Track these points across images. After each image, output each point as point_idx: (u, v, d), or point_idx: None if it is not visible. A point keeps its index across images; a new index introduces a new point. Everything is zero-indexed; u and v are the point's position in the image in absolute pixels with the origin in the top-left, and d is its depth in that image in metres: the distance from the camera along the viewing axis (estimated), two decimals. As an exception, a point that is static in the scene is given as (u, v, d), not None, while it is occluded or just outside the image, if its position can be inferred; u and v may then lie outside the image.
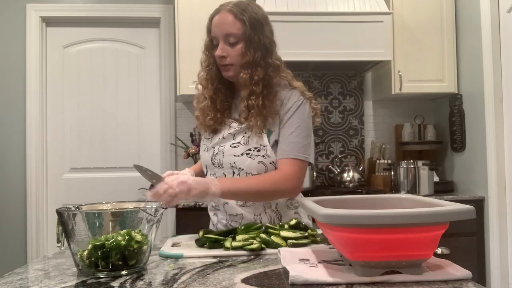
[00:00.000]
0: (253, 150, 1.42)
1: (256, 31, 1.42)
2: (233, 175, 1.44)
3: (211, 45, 1.47)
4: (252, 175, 1.42)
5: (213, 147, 1.48)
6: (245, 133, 1.44)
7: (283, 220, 1.45)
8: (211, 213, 1.57)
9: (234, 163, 1.43)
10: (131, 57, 3.38)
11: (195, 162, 3.20)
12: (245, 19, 1.41)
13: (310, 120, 1.46)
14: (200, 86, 1.52)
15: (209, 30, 1.47)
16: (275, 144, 1.44)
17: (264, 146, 1.42)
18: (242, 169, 1.42)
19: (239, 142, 1.43)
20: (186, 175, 1.39)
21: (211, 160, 1.48)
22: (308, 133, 1.44)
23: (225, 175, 1.46)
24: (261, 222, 1.41)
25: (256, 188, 1.36)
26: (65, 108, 3.33)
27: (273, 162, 1.43)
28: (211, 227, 1.58)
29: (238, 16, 1.41)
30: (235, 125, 1.46)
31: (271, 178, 1.39)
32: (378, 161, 3.16)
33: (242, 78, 1.42)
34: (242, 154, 1.42)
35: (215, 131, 1.49)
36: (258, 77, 1.41)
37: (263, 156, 1.42)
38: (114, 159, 3.33)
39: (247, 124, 1.42)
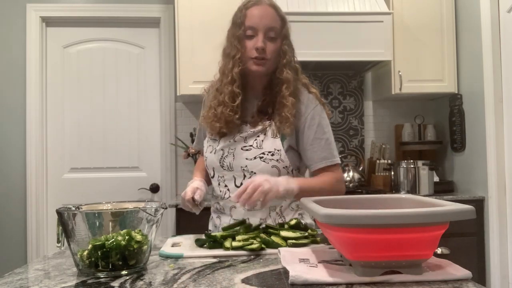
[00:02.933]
0: (267, 154, 1.40)
1: (287, 31, 1.43)
2: (244, 179, 1.41)
3: (243, 35, 1.40)
4: None
5: (222, 149, 1.45)
6: (258, 136, 1.42)
7: None
8: (214, 215, 1.55)
9: (246, 166, 1.41)
10: (131, 57, 3.37)
11: (195, 162, 3.19)
12: (284, 17, 1.40)
13: None
14: (219, 79, 1.46)
15: (242, 21, 1.40)
16: (289, 149, 1.42)
17: (278, 150, 1.40)
18: (254, 173, 1.39)
19: (251, 145, 1.41)
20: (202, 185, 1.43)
21: (220, 162, 1.45)
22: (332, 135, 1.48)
23: (235, 178, 1.43)
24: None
25: (325, 187, 1.37)
26: (65, 108, 3.33)
27: (286, 167, 1.41)
28: (211, 228, 1.57)
29: (279, 12, 1.40)
30: (246, 128, 1.44)
31: (330, 180, 1.41)
32: (378, 161, 3.16)
33: (286, 78, 1.41)
34: (255, 158, 1.40)
35: (223, 133, 1.45)
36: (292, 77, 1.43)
37: (277, 160, 1.40)
38: (114, 159, 3.33)
39: (270, 123, 1.41)
